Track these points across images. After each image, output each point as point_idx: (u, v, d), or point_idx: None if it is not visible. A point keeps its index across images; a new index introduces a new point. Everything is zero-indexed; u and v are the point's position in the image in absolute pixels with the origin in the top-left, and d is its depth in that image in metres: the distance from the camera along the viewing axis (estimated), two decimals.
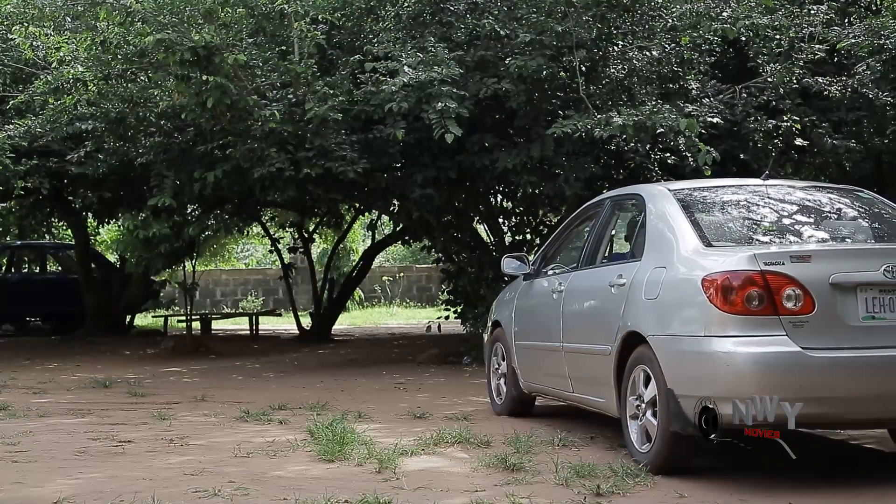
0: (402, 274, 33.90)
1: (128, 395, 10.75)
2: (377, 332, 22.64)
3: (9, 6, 13.66)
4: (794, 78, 12.53)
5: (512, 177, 12.86)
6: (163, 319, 21.50)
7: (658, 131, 11.22)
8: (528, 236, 15.50)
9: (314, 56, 12.26)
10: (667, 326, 6.13)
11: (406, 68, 11.08)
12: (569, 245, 8.59)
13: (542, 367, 8.18)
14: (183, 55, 11.46)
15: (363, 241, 29.01)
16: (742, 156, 12.86)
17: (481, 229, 16.29)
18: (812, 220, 6.90)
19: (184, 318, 19.46)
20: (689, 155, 11.92)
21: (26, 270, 23.40)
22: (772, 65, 12.70)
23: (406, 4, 13.02)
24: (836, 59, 13.60)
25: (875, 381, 5.64)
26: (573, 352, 7.46)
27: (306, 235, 21.10)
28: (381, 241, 21.84)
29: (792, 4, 13.05)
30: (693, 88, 13.18)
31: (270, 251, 24.16)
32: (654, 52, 12.62)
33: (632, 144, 12.33)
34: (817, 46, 12.62)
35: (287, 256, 22.43)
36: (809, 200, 7.13)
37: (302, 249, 21.49)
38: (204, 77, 11.68)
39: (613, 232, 7.76)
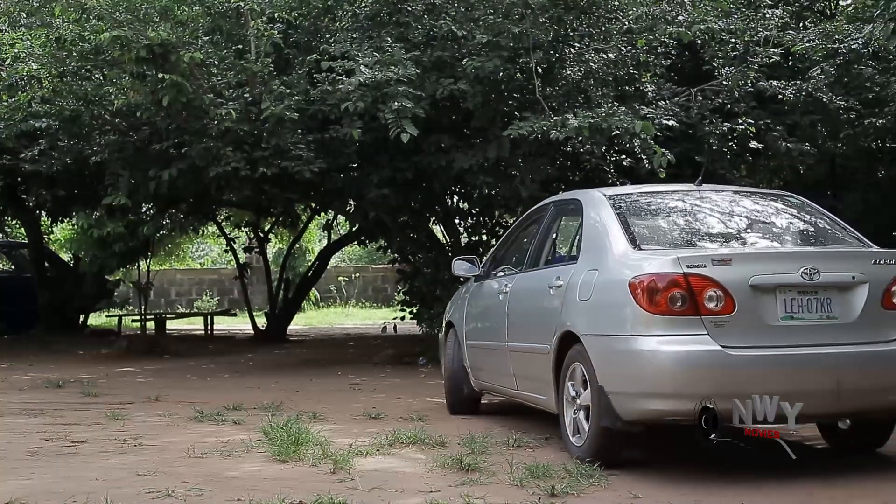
0: (357, 274, 33.88)
1: (81, 395, 10.67)
2: (333, 332, 22.60)
3: None
4: (749, 81, 12.68)
5: (468, 178, 12.90)
6: (117, 319, 21.30)
7: (614, 133, 11.31)
8: (484, 237, 15.52)
9: (271, 55, 12.25)
10: (598, 326, 6.36)
11: (362, 68, 11.08)
12: (516, 248, 8.79)
13: (491, 366, 8.42)
14: (139, 53, 11.42)
15: (319, 241, 28.93)
16: (697, 158, 12.95)
17: (437, 230, 16.31)
18: (739, 224, 7.13)
19: (138, 317, 19.37)
20: (644, 157, 12.01)
21: None
22: (727, 68, 12.82)
23: (363, 4, 13.01)
24: (790, 63, 13.76)
25: (793, 378, 5.80)
26: (517, 351, 7.70)
27: (262, 235, 21.07)
28: (337, 242, 21.84)
29: (747, 8, 13.19)
30: (649, 91, 13.28)
31: (226, 251, 24.08)
32: (610, 55, 12.68)
33: (588, 146, 12.38)
34: (772, 50, 12.77)
35: (242, 256, 22.36)
36: (739, 205, 7.37)
37: (257, 249, 21.45)
38: (160, 75, 11.63)
39: (555, 235, 7.93)
